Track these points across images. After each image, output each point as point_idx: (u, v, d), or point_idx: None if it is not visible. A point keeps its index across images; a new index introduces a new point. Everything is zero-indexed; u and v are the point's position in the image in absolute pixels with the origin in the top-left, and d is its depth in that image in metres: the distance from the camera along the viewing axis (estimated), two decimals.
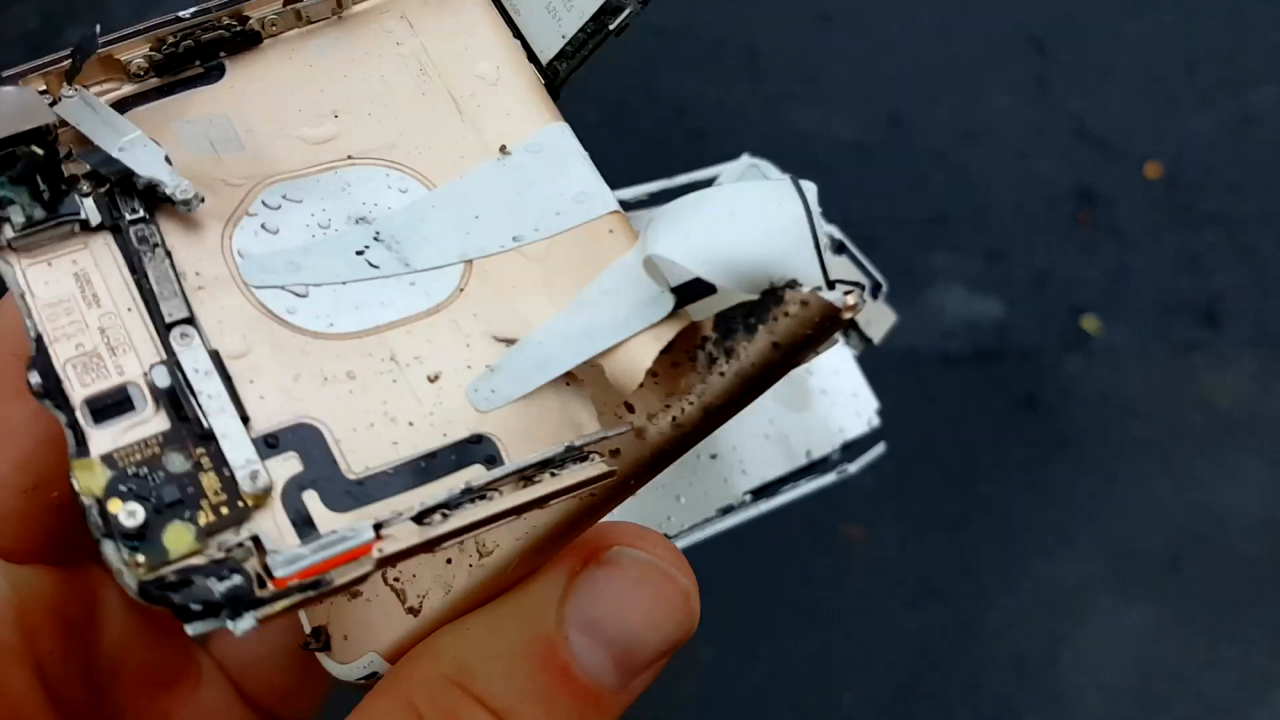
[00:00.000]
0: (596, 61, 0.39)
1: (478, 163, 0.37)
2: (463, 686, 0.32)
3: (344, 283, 0.34)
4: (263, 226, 0.34)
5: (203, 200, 0.33)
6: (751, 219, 0.31)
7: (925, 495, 0.97)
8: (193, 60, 0.37)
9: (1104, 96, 1.05)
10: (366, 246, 0.35)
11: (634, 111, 1.08)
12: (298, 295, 0.34)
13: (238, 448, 0.29)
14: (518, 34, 0.40)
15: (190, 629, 0.27)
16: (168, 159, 0.34)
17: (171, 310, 0.32)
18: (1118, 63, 1.06)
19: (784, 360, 0.31)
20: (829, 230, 0.36)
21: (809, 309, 0.30)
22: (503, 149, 0.37)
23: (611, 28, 0.38)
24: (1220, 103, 1.05)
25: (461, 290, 0.34)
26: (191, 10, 0.36)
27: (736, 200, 0.32)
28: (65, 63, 0.34)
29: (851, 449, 0.49)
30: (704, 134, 1.09)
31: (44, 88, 0.34)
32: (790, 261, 0.30)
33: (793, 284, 0.30)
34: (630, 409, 0.34)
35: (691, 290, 0.32)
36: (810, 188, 0.30)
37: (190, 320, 0.32)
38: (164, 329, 0.31)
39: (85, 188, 0.33)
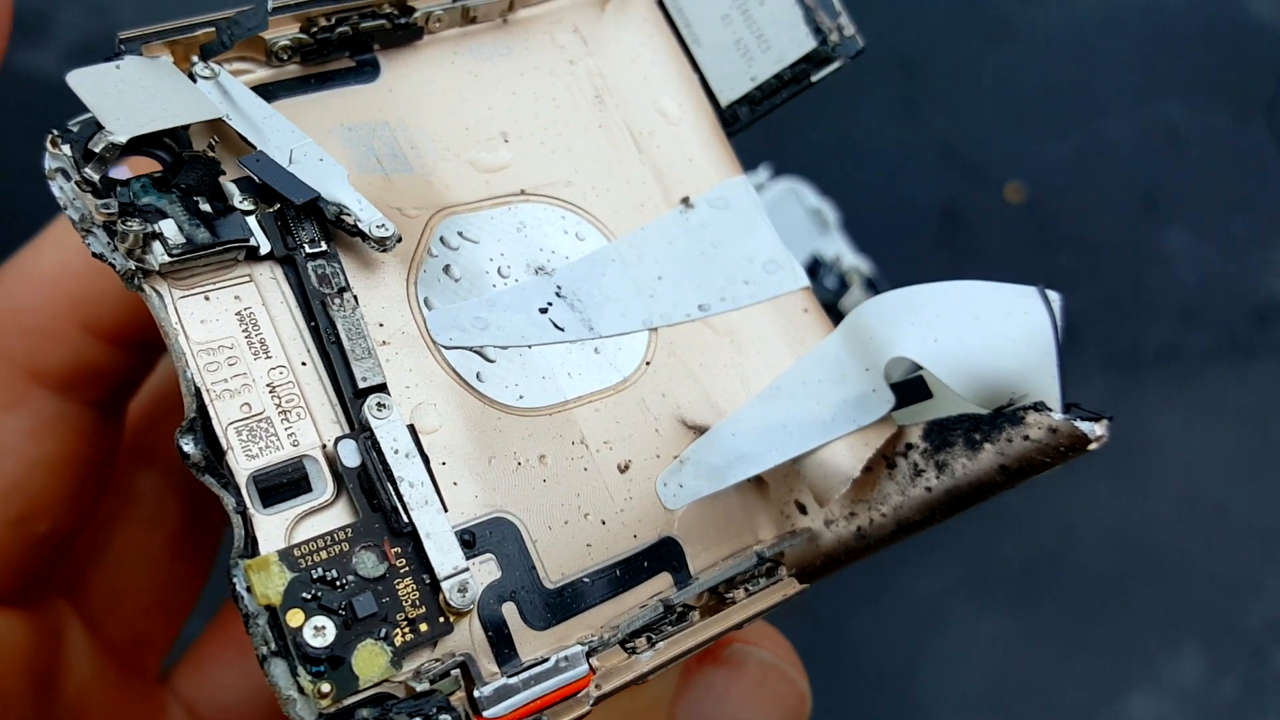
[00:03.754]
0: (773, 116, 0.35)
1: (658, 213, 0.33)
2: None
3: (530, 346, 0.29)
4: (445, 271, 0.30)
5: (400, 240, 0.27)
6: (998, 326, 0.28)
7: None
8: (344, 50, 0.31)
9: (967, 121, 1.07)
10: (549, 304, 0.30)
11: None
12: (487, 360, 0.29)
13: (444, 550, 0.24)
14: (695, 68, 0.35)
15: None
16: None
17: (366, 374, 0.26)
18: (980, 89, 1.09)
19: (1005, 484, 0.29)
20: (858, 263, 0.34)
21: (1056, 436, 0.27)
22: (685, 201, 0.33)
23: (814, 79, 0.34)
24: (1075, 131, 1.09)
25: (648, 364, 0.31)
26: None
27: (980, 303, 0.28)
28: (201, 31, 0.28)
29: None
30: None
31: (167, 57, 0.27)
32: (1034, 378, 0.27)
33: (1039, 406, 0.27)
34: (802, 509, 0.31)
35: (909, 392, 0.29)
36: (1056, 298, 0.28)
37: (385, 387, 0.26)
38: (354, 395, 0.25)
39: (246, 204, 0.27)
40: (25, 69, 0.96)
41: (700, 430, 0.30)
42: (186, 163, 0.25)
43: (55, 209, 0.31)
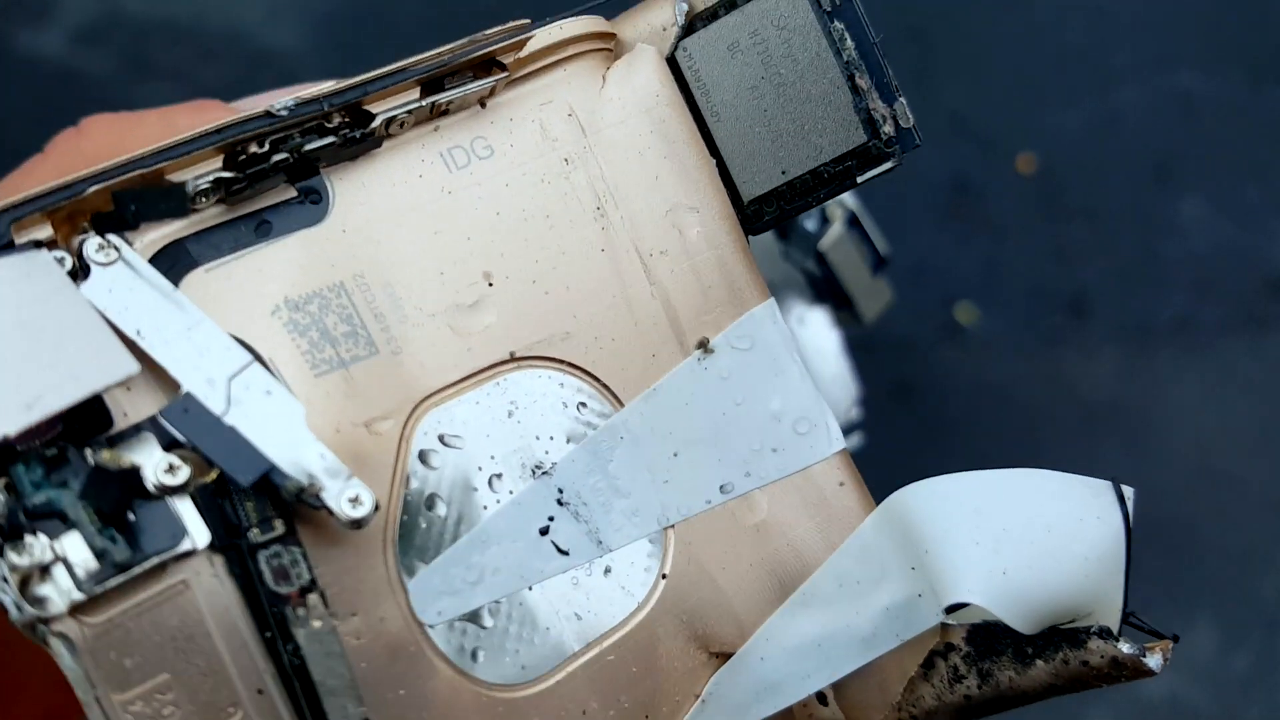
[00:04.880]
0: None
1: (672, 361, 0.28)
2: None
3: (530, 588, 0.25)
4: (429, 507, 0.24)
5: (378, 507, 0.22)
6: (1069, 539, 0.25)
7: None
8: (281, 178, 0.24)
9: (978, 91, 1.06)
10: (551, 519, 0.25)
11: None
12: (481, 628, 0.24)
13: None
14: (714, 150, 0.29)
15: None
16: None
17: (342, 712, 0.21)
18: (991, 58, 1.07)
19: (1050, 697, 0.26)
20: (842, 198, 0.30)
21: (1118, 667, 0.25)
22: (703, 345, 0.28)
23: (860, 180, 0.30)
24: (1087, 100, 1.07)
25: (664, 578, 0.26)
26: (290, 101, 0.23)
27: (1051, 508, 0.25)
28: (91, 191, 0.21)
29: None
30: None
31: (47, 234, 0.21)
32: (1100, 594, 0.25)
33: (1104, 633, 0.25)
34: (822, 699, 0.27)
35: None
36: (1130, 495, 0.25)
37: None
38: None
39: (173, 477, 0.21)
40: (29, 52, 0.95)
41: (724, 656, 0.26)
42: (93, 473, 0.19)
43: None
